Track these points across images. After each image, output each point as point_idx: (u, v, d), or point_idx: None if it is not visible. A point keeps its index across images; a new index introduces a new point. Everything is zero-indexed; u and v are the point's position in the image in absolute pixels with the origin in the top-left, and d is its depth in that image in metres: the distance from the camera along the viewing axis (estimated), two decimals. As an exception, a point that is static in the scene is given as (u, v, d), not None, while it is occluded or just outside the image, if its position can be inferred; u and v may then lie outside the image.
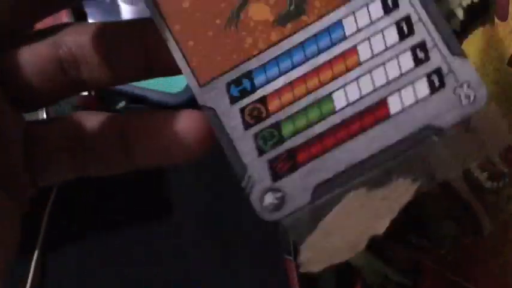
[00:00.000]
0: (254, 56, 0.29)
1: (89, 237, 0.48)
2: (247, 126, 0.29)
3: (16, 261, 0.23)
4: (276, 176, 0.28)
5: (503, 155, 0.36)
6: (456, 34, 0.35)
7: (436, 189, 0.43)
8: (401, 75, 0.28)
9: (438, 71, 0.27)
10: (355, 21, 0.28)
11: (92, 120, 0.24)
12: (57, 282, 0.45)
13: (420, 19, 0.28)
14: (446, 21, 0.27)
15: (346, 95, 0.28)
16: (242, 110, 0.29)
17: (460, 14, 0.36)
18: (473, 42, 0.44)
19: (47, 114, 0.43)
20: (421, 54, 0.28)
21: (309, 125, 0.28)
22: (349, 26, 0.28)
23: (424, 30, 0.28)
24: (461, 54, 0.27)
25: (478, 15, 0.37)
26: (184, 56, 0.29)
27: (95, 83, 0.24)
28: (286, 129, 0.28)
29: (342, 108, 0.28)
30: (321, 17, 0.29)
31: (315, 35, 0.29)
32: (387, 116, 0.28)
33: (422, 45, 0.28)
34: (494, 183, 0.36)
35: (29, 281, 0.26)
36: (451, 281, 0.42)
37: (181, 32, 0.29)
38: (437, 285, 0.43)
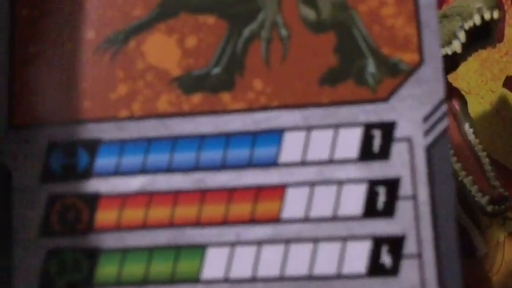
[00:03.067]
0: (119, 118, 0.16)
1: None
2: (46, 230, 0.16)
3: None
4: None
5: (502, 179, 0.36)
6: (456, 56, 0.35)
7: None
8: (337, 276, 0.15)
9: None
10: (306, 142, 0.15)
11: None
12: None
13: (415, 195, 0.15)
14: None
15: (229, 262, 0.15)
16: (52, 200, 0.16)
17: (461, 36, 0.35)
18: (469, 64, 0.45)
19: None
20: (386, 258, 0.14)
21: (145, 282, 0.15)
22: (291, 147, 0.15)
23: (414, 215, 0.15)
24: None
25: (479, 38, 0.36)
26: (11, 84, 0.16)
27: None
28: (104, 269, 0.15)
29: (210, 282, 0.15)
30: (253, 107, 0.16)
31: (228, 134, 0.16)
32: None
33: (397, 242, 0.14)
34: (495, 207, 0.35)
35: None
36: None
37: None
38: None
